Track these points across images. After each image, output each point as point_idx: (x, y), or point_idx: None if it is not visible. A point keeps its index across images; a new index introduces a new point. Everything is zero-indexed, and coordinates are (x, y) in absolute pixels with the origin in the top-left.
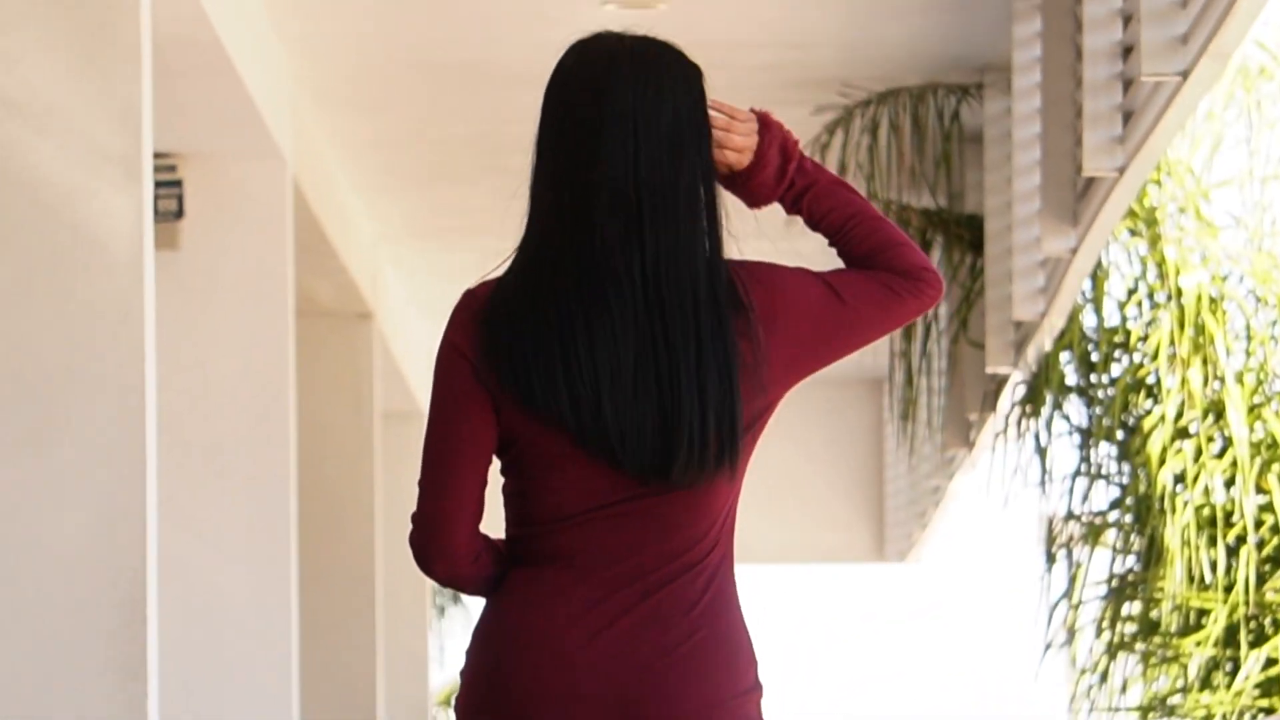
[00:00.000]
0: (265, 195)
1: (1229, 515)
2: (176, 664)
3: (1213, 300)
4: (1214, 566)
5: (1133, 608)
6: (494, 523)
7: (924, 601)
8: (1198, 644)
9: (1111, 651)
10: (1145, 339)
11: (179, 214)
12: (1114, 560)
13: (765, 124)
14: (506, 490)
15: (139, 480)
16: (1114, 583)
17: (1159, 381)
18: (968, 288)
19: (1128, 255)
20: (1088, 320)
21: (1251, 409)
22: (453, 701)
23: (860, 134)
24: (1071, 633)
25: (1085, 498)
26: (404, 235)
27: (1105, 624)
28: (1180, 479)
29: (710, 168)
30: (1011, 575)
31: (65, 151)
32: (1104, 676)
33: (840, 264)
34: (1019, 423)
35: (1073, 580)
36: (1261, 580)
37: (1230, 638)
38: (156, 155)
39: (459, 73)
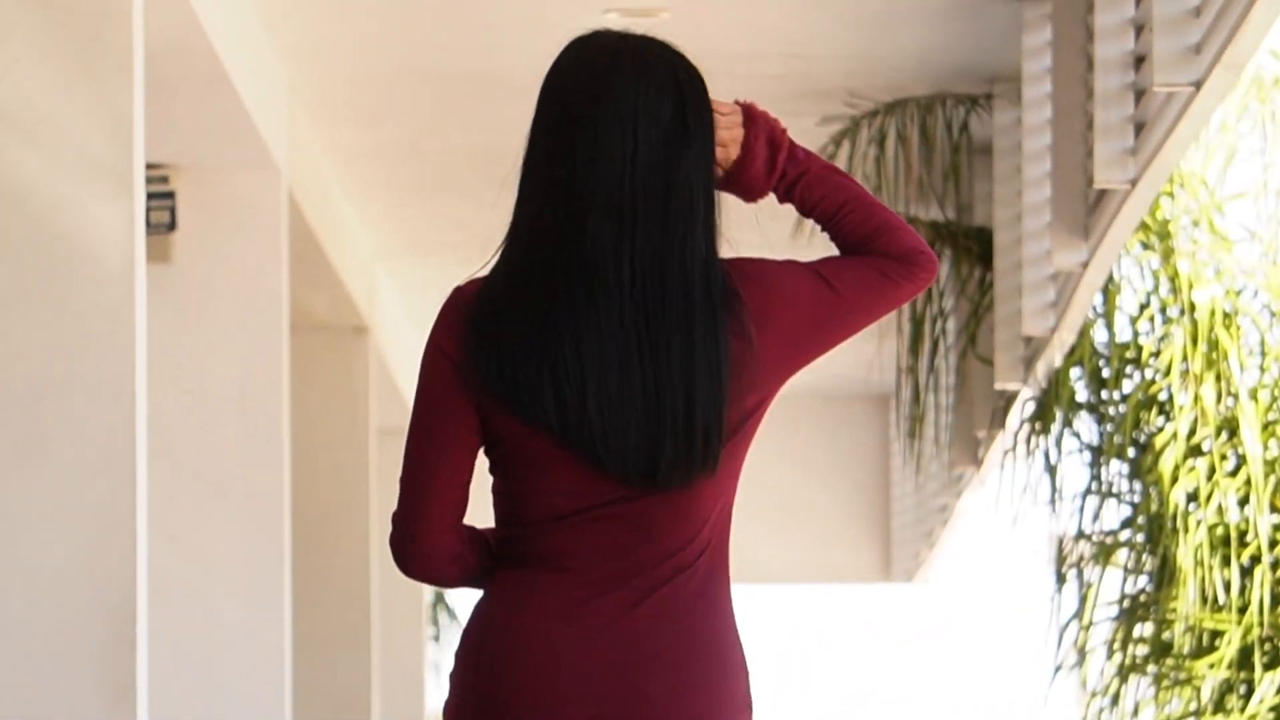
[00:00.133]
0: (260, 207)
1: (1243, 535)
2: (167, 684)
3: (1226, 315)
4: (1228, 587)
5: (1145, 629)
6: (486, 521)
7: (932, 622)
8: (1211, 666)
9: (1123, 674)
10: (1157, 355)
11: (171, 226)
12: (1125, 580)
13: (750, 116)
14: (494, 489)
15: (129, 496)
16: (1125, 603)
17: (1171, 398)
18: (976, 302)
19: (1140, 269)
20: (1099, 335)
21: (1266, 426)
22: (442, 706)
23: (867, 145)
24: (1082, 654)
25: (1096, 517)
26: (401, 248)
27: (1116, 646)
28: (1193, 497)
29: (710, 168)
30: (1021, 596)
31: (55, 162)
32: (1115, 699)
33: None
34: (1028, 440)
35: (1083, 601)
36: (1276, 601)
37: (1244, 660)
38: (149, 166)
39: (458, 82)
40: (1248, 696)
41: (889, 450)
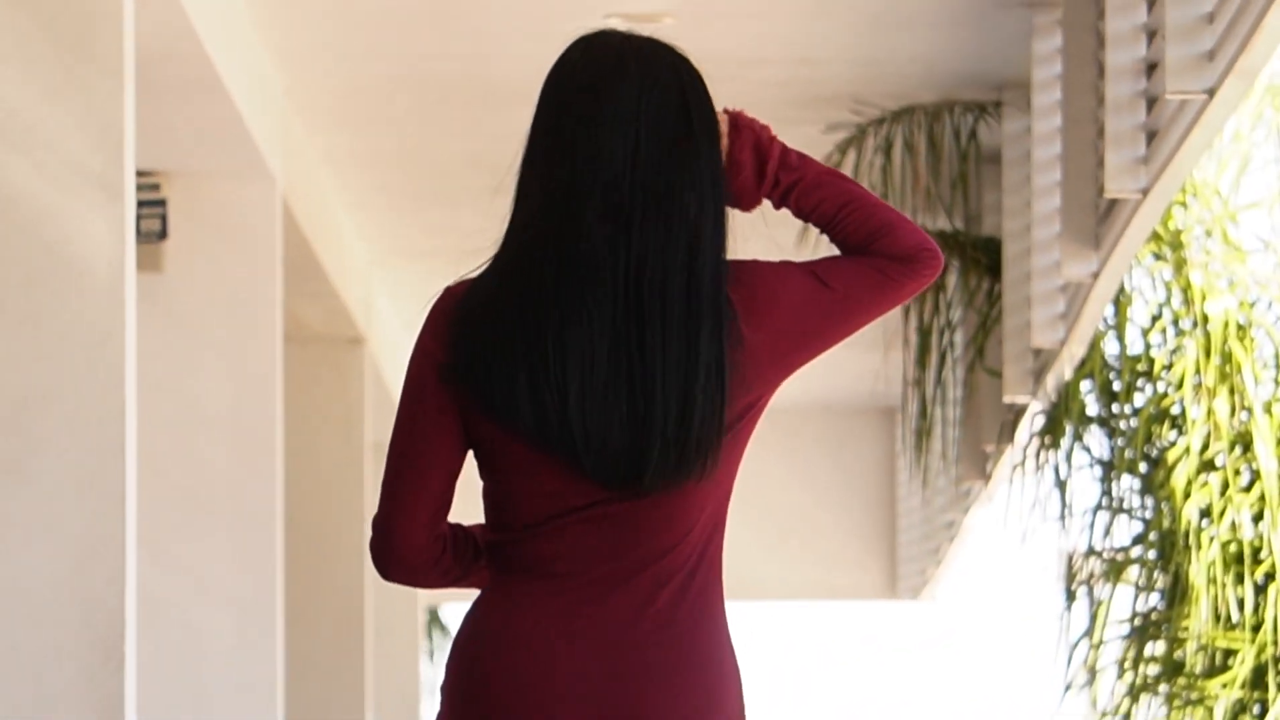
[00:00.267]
0: (253, 215)
1: (1257, 551)
2: (156, 706)
3: (1240, 327)
4: (1241, 605)
5: (1156, 648)
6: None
7: (938, 641)
8: (1224, 686)
9: (1134, 693)
10: (1170, 367)
11: (162, 235)
12: (1137, 598)
13: (736, 125)
14: (483, 492)
15: (117, 513)
16: (1137, 622)
17: (1184, 412)
18: (985, 314)
19: (1151, 280)
20: (1109, 348)
21: None
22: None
23: (873, 153)
24: (1092, 673)
25: (1107, 533)
26: (398, 257)
27: (1128, 665)
28: (1206, 513)
29: (718, 170)
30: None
31: (43, 169)
32: (1126, 719)
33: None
34: (1038, 454)
35: (1094, 619)
36: None
37: (1258, 679)
38: (139, 174)
39: (457, 88)
40: (1261, 717)
41: (895, 465)
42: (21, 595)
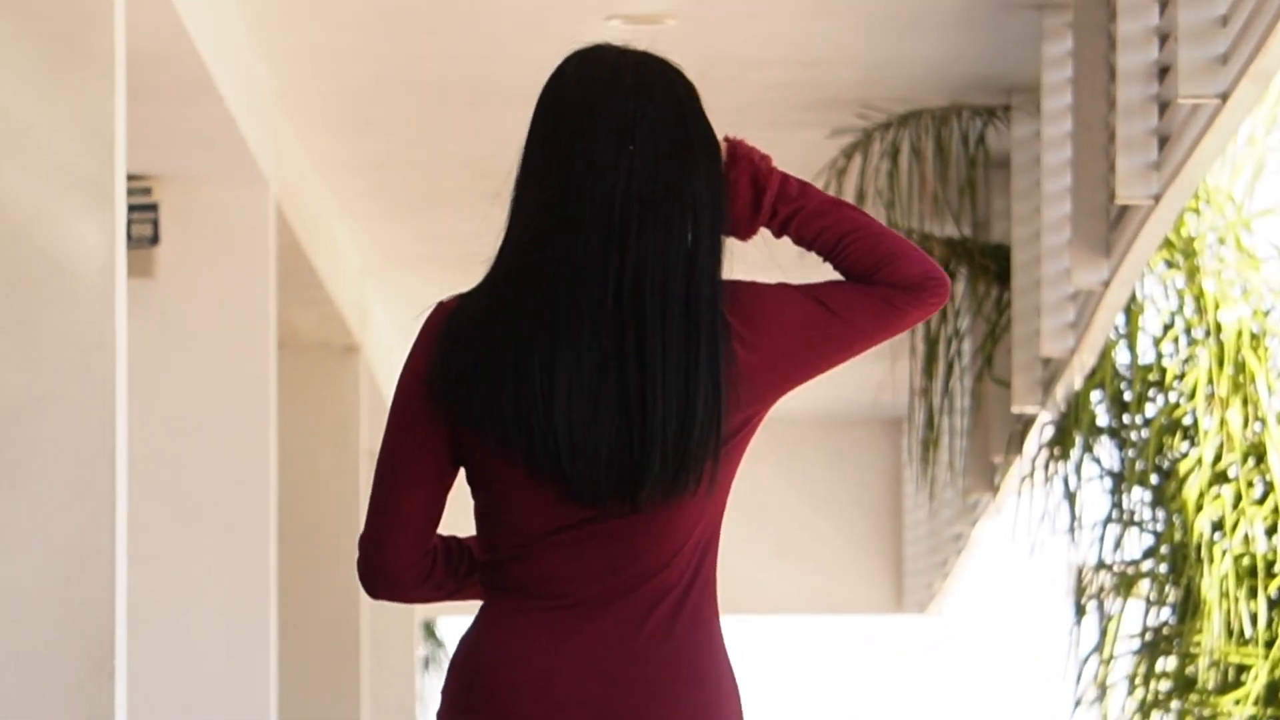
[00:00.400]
0: (246, 220)
1: (1270, 565)
2: (147, 718)
3: (1254, 336)
4: (1254, 620)
5: (1168, 663)
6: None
7: (945, 656)
8: (1237, 702)
9: (1145, 710)
10: (1182, 377)
11: (154, 240)
12: (1148, 613)
13: (734, 155)
14: (474, 510)
15: (108, 521)
16: (1148, 636)
17: (1196, 423)
18: (993, 322)
19: (1163, 288)
20: (1120, 357)
21: None
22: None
23: (880, 158)
24: (1103, 689)
25: (1117, 546)
26: (393, 264)
27: (1138, 680)
28: (1218, 526)
29: (717, 184)
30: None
31: (32, 173)
32: None
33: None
34: (1047, 466)
35: (1104, 634)
36: None
37: (1271, 696)
38: (130, 178)
39: (453, 91)
40: None
41: (901, 476)
42: (10, 603)
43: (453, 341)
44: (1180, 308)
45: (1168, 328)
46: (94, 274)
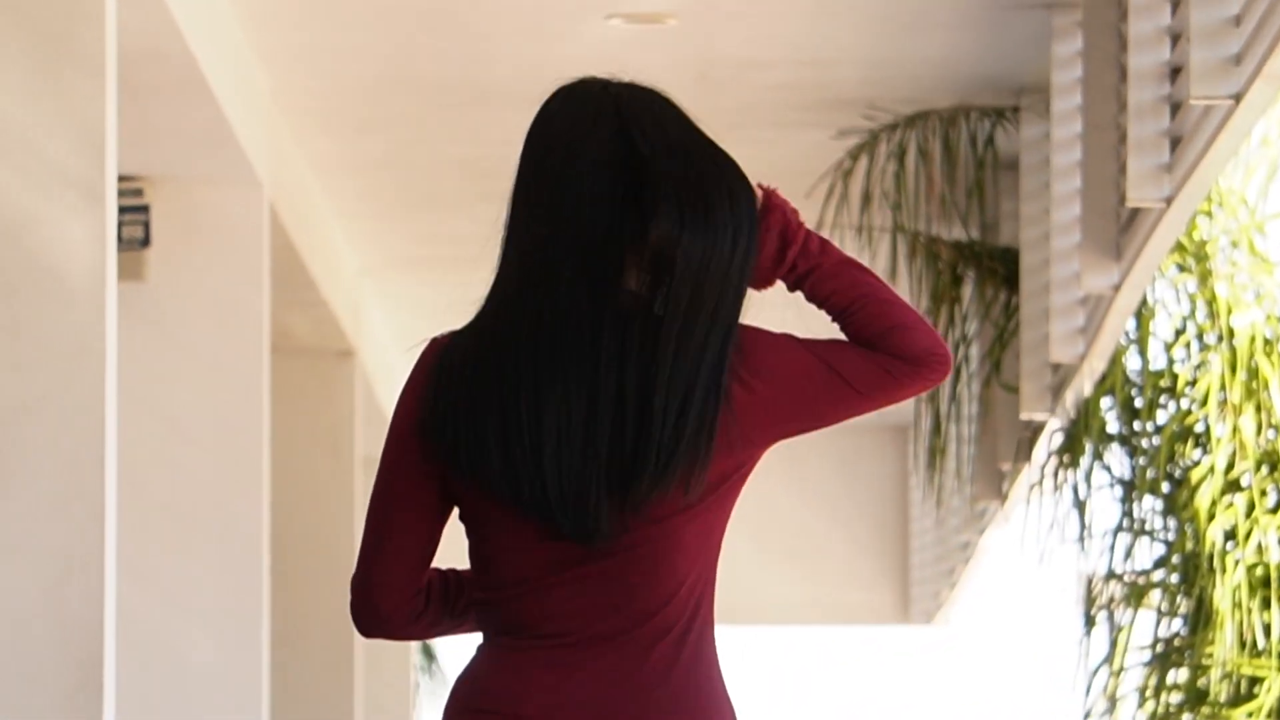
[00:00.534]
0: (239, 222)
1: None
2: None
3: (1267, 342)
4: (1268, 631)
5: (1179, 675)
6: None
7: (952, 667)
8: (1249, 715)
9: None
10: (1194, 384)
11: (145, 242)
12: (1159, 623)
13: (767, 205)
14: (469, 549)
15: (97, 530)
16: (1159, 648)
17: (1208, 430)
18: (1001, 327)
19: (1175, 293)
20: (1131, 363)
21: None
22: None
23: (886, 160)
24: (1113, 702)
25: (1128, 555)
26: (389, 266)
27: (1149, 693)
28: (1231, 536)
29: (703, 230)
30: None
31: (21, 173)
32: None
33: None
34: (1056, 474)
35: (1114, 645)
36: None
37: None
38: (121, 178)
39: (452, 91)
40: None
41: (907, 484)
42: None
43: (443, 385)
44: (1192, 312)
45: (1179, 333)
46: (84, 277)
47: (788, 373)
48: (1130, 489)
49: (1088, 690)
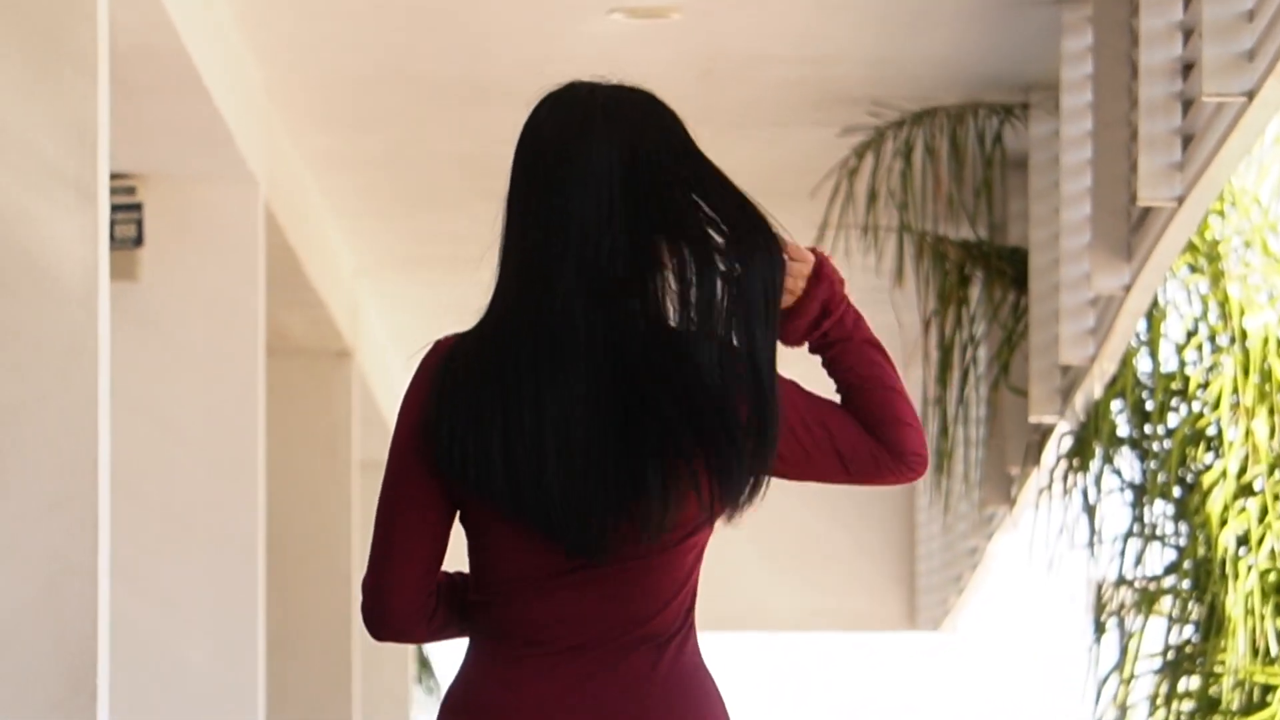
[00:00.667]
0: (234, 221)
1: None
2: None
3: None
4: None
5: (1190, 683)
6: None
7: (960, 674)
8: None
9: None
10: (1205, 386)
11: (138, 241)
12: (1170, 630)
13: (819, 273)
14: (468, 549)
15: (90, 535)
16: (1170, 655)
17: (1220, 433)
18: (1010, 329)
19: (1187, 293)
20: (1142, 365)
21: None
22: None
23: (892, 158)
24: (1123, 710)
25: (1138, 561)
26: (387, 265)
27: (1160, 701)
28: (1243, 541)
29: (701, 234)
30: (1056, 646)
31: (12, 171)
32: None
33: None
34: (1065, 478)
35: (1124, 652)
36: None
37: None
38: (114, 176)
39: (447, 87)
40: None
41: (914, 488)
42: None
43: (445, 390)
44: (1204, 314)
45: (1191, 334)
46: (75, 276)
47: (786, 420)
48: (1141, 493)
49: (1097, 698)
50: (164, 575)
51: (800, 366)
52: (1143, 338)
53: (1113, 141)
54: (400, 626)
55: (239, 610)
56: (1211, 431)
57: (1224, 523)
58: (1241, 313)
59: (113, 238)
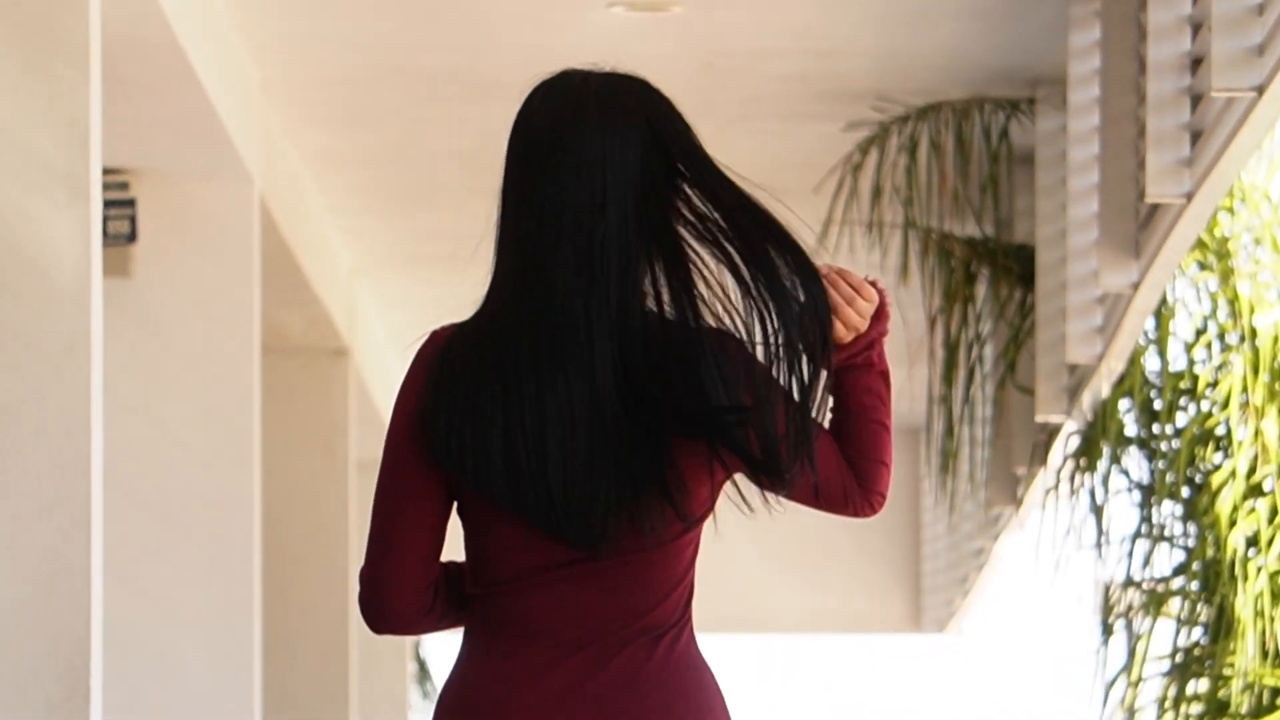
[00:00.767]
0: (229, 217)
1: None
2: None
3: None
4: None
5: (1199, 686)
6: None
7: (965, 676)
8: None
9: None
10: (1215, 385)
11: (131, 237)
12: (1178, 632)
13: (879, 315)
14: (465, 543)
15: (84, 535)
16: (1178, 657)
17: (1229, 433)
18: (1016, 327)
19: (1196, 291)
20: (1150, 364)
21: None
22: None
23: (897, 153)
24: (1131, 713)
25: (1146, 562)
26: (384, 263)
27: (1168, 704)
28: (1253, 542)
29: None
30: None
31: (3, 167)
32: None
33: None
34: (1072, 478)
35: (1132, 654)
36: None
37: None
38: (106, 172)
39: (447, 82)
40: None
41: (919, 489)
42: None
43: (441, 382)
44: (1213, 312)
45: (1200, 333)
46: (68, 273)
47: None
48: (1149, 493)
49: (1105, 701)
50: (159, 575)
51: None
52: (1151, 336)
53: (1120, 137)
54: (398, 618)
55: (235, 611)
56: (1221, 431)
57: (1233, 523)
58: (1251, 310)
59: (106, 234)
